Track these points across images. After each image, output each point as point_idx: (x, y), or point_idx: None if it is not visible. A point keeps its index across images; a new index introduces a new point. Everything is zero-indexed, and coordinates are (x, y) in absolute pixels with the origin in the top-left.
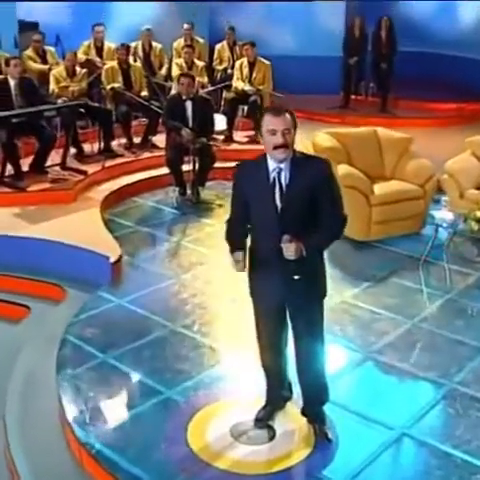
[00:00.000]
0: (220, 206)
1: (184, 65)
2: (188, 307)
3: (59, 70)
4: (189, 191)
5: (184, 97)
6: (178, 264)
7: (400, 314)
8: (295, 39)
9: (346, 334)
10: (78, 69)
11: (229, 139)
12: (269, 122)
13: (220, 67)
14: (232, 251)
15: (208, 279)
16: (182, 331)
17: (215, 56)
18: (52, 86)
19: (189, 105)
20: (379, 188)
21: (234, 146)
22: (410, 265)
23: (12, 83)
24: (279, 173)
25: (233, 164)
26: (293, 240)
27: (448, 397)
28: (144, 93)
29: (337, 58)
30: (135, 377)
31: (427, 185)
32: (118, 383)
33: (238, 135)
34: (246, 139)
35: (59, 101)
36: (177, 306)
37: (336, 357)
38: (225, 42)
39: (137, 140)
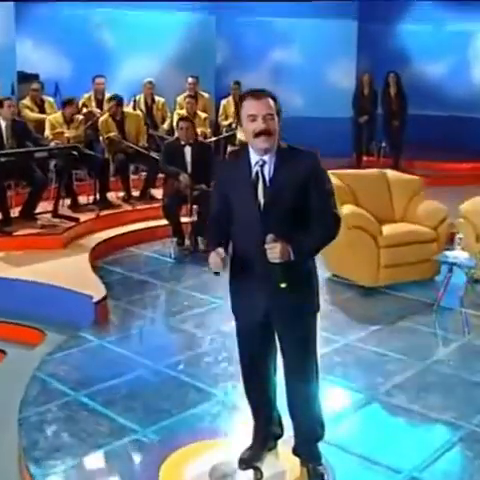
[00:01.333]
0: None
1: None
2: (174, 348)
3: (56, 116)
4: (188, 241)
5: (183, 142)
6: (168, 308)
7: (410, 356)
8: (304, 100)
9: (348, 375)
10: (75, 116)
11: None
12: (249, 106)
13: (225, 122)
14: (212, 248)
15: (199, 322)
16: (165, 370)
17: (220, 112)
18: (47, 132)
19: (188, 151)
20: (388, 229)
21: None
22: (422, 310)
23: (3, 125)
24: (262, 166)
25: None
26: (278, 240)
27: (465, 440)
28: (142, 143)
29: (348, 119)
30: (106, 415)
31: (440, 228)
32: (86, 421)
33: None
34: None
35: (52, 144)
36: (162, 347)
37: (336, 398)
38: (231, 97)
39: (136, 193)
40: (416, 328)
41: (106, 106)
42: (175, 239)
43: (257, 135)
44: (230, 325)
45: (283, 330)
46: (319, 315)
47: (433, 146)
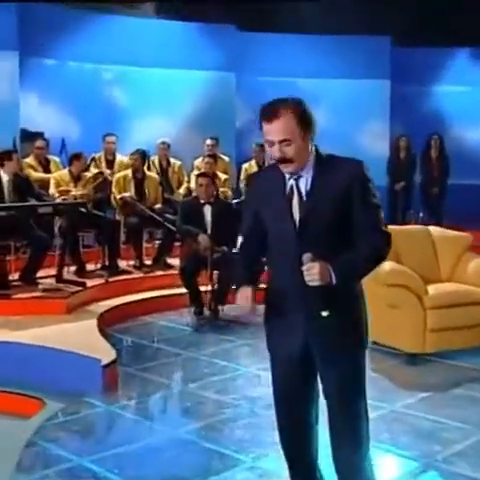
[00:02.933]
0: (244, 325)
1: None
2: (194, 414)
3: (61, 173)
4: (207, 311)
5: (202, 201)
6: (186, 374)
7: (470, 424)
8: None
9: (398, 443)
10: (83, 173)
11: None
12: (264, 129)
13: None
14: (240, 281)
15: (222, 388)
16: (183, 436)
17: (242, 176)
18: (52, 190)
19: (208, 210)
20: (435, 289)
21: None
22: (479, 378)
23: (5, 179)
24: (297, 179)
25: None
26: (317, 260)
27: None
28: (158, 205)
29: (381, 188)
30: None
31: None
32: None
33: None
34: None
35: (57, 200)
36: (179, 413)
37: (387, 466)
38: (253, 161)
39: (149, 262)
40: (474, 396)
41: (118, 168)
42: (193, 308)
43: (277, 162)
44: (259, 391)
45: (325, 367)
46: None
47: (474, 217)
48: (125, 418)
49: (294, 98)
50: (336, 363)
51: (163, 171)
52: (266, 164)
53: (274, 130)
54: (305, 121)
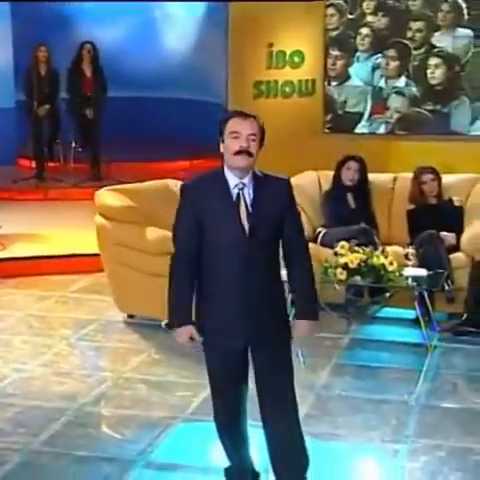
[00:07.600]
0: None
1: None
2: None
3: None
4: None
5: None
6: None
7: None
8: None
9: None
10: None
11: None
12: (233, 124)
13: None
14: (180, 317)
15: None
16: None
17: None
18: None
19: None
20: None
21: None
22: None
23: None
24: (242, 189)
25: None
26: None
27: None
28: None
29: (10, 111)
30: None
31: None
32: None
33: None
34: None
35: None
36: None
37: None
38: None
39: None
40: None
41: None
42: None
43: (237, 153)
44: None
45: (260, 353)
46: None
47: (117, 138)
48: None
49: None
50: (277, 356)
51: None
52: None
53: (246, 125)
54: (262, 141)
